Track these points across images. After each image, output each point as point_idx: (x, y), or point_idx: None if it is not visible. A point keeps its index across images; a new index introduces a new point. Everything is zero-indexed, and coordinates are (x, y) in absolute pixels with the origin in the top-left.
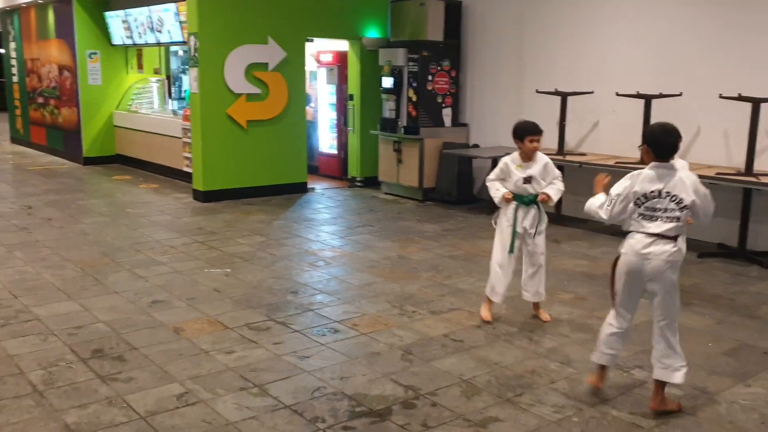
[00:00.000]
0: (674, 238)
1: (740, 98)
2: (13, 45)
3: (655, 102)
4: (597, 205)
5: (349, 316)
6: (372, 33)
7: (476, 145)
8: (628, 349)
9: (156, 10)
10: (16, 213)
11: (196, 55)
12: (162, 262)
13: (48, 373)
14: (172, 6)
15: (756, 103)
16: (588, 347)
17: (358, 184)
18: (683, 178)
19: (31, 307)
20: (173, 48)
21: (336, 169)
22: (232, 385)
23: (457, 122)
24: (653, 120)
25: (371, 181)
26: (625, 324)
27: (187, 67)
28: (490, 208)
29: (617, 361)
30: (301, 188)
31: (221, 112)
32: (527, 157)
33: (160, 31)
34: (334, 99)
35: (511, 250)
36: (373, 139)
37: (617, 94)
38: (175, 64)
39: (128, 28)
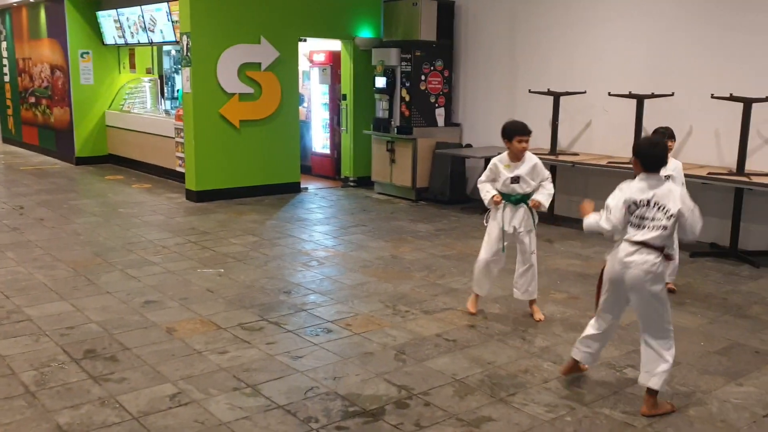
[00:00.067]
0: (659, 249)
1: (732, 98)
2: (4, 44)
3: (647, 102)
4: (595, 219)
5: (342, 316)
6: (365, 33)
7: (469, 145)
8: (620, 349)
9: (148, 9)
10: (7, 213)
11: (189, 54)
12: (155, 262)
13: (40, 373)
14: (164, 5)
15: (747, 103)
16: None
17: (351, 184)
18: (672, 189)
19: (23, 308)
20: (166, 48)
21: (329, 169)
22: (224, 386)
23: (450, 122)
24: (645, 120)
25: (364, 181)
26: (605, 325)
27: (179, 66)
28: (483, 208)
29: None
30: (294, 188)
31: (214, 111)
32: (516, 157)
33: (152, 31)
34: (327, 99)
35: (502, 249)
36: (366, 138)
37: (610, 94)
38: (167, 63)
39: (120, 28)
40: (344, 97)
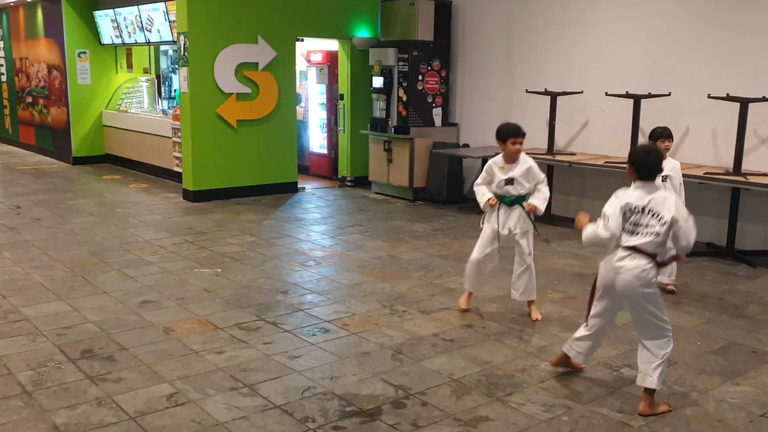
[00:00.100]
0: (651, 256)
1: (729, 98)
2: (1, 44)
3: (644, 102)
4: (593, 230)
5: (339, 315)
6: (362, 33)
7: (466, 145)
8: (617, 348)
9: (145, 9)
10: (4, 213)
11: (186, 54)
12: (152, 262)
13: (37, 373)
14: (161, 5)
15: (744, 103)
16: None
17: (349, 183)
18: (667, 197)
19: (20, 308)
20: (163, 47)
21: (326, 169)
22: (221, 385)
23: (447, 122)
24: (642, 120)
25: (361, 181)
26: (596, 328)
27: (176, 66)
28: (479, 209)
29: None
30: (292, 188)
31: (211, 111)
32: (510, 158)
33: (149, 31)
34: (324, 99)
35: (497, 250)
36: (364, 138)
37: (607, 94)
38: (164, 63)
39: (117, 28)
40: (341, 96)
